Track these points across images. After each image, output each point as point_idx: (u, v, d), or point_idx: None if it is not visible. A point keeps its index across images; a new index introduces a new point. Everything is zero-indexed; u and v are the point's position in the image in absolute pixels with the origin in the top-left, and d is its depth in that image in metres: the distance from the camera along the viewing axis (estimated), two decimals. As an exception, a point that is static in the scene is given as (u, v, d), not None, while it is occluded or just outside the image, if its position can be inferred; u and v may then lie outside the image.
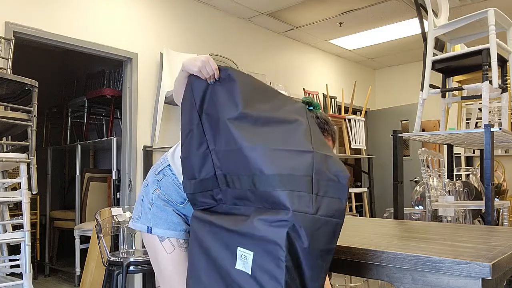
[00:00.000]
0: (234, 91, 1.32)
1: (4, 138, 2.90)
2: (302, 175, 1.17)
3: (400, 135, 2.71)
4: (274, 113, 1.32)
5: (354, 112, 6.88)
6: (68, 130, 5.00)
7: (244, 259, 1.18)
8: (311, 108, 1.53)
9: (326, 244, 1.16)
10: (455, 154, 5.94)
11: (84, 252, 4.00)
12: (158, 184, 1.51)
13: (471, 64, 2.76)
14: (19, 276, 2.37)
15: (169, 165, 1.52)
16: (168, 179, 1.51)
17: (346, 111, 6.09)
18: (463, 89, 2.73)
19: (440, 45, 2.85)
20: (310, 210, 1.13)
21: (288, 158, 1.20)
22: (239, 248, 1.19)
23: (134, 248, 3.08)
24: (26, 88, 2.43)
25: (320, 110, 1.56)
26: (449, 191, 3.39)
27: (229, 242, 1.23)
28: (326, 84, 6.01)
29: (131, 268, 2.50)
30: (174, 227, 1.48)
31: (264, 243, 1.14)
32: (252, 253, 1.16)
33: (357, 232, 1.74)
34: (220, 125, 1.30)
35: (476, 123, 4.47)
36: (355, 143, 5.61)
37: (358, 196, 6.28)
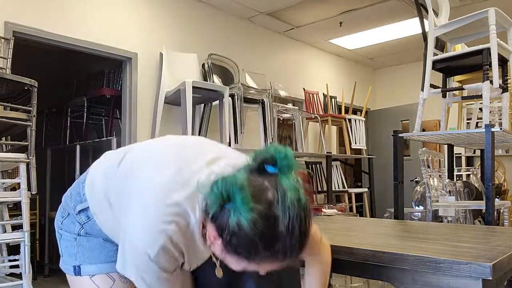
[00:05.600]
0: None
1: (4, 138, 2.89)
2: None
3: (400, 135, 2.71)
4: None
5: (354, 112, 6.87)
6: (68, 130, 4.99)
7: None
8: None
9: None
10: (455, 154, 5.92)
11: (84, 252, 3.99)
12: (82, 227, 1.17)
13: (472, 64, 2.75)
14: (19, 276, 2.37)
15: (88, 207, 1.14)
16: (94, 226, 1.15)
17: (346, 111, 6.09)
18: (464, 89, 2.73)
19: (440, 45, 2.84)
20: None
21: None
22: None
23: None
24: (26, 88, 2.43)
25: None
26: (449, 191, 3.39)
27: None
28: (326, 84, 6.01)
29: (131, 268, 2.48)
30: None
31: None
32: None
33: (357, 232, 1.74)
34: None
35: (477, 123, 4.46)
36: (355, 143, 5.60)
37: (359, 196, 6.27)
